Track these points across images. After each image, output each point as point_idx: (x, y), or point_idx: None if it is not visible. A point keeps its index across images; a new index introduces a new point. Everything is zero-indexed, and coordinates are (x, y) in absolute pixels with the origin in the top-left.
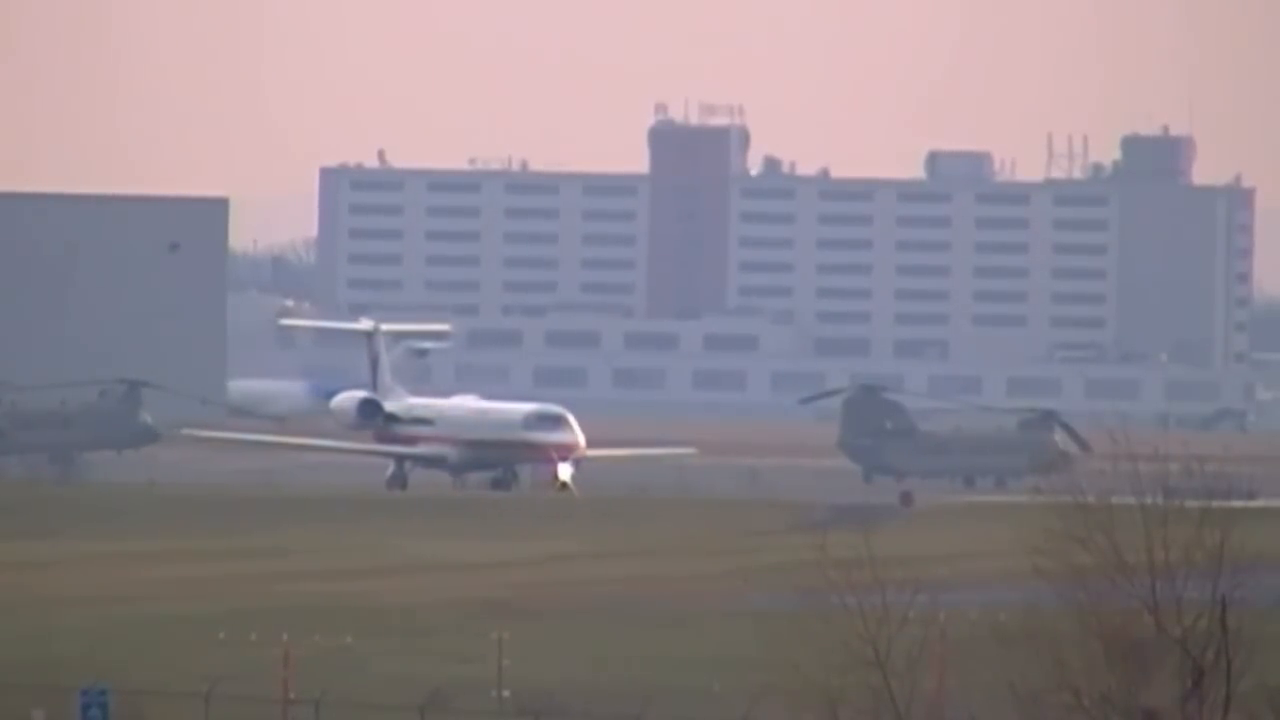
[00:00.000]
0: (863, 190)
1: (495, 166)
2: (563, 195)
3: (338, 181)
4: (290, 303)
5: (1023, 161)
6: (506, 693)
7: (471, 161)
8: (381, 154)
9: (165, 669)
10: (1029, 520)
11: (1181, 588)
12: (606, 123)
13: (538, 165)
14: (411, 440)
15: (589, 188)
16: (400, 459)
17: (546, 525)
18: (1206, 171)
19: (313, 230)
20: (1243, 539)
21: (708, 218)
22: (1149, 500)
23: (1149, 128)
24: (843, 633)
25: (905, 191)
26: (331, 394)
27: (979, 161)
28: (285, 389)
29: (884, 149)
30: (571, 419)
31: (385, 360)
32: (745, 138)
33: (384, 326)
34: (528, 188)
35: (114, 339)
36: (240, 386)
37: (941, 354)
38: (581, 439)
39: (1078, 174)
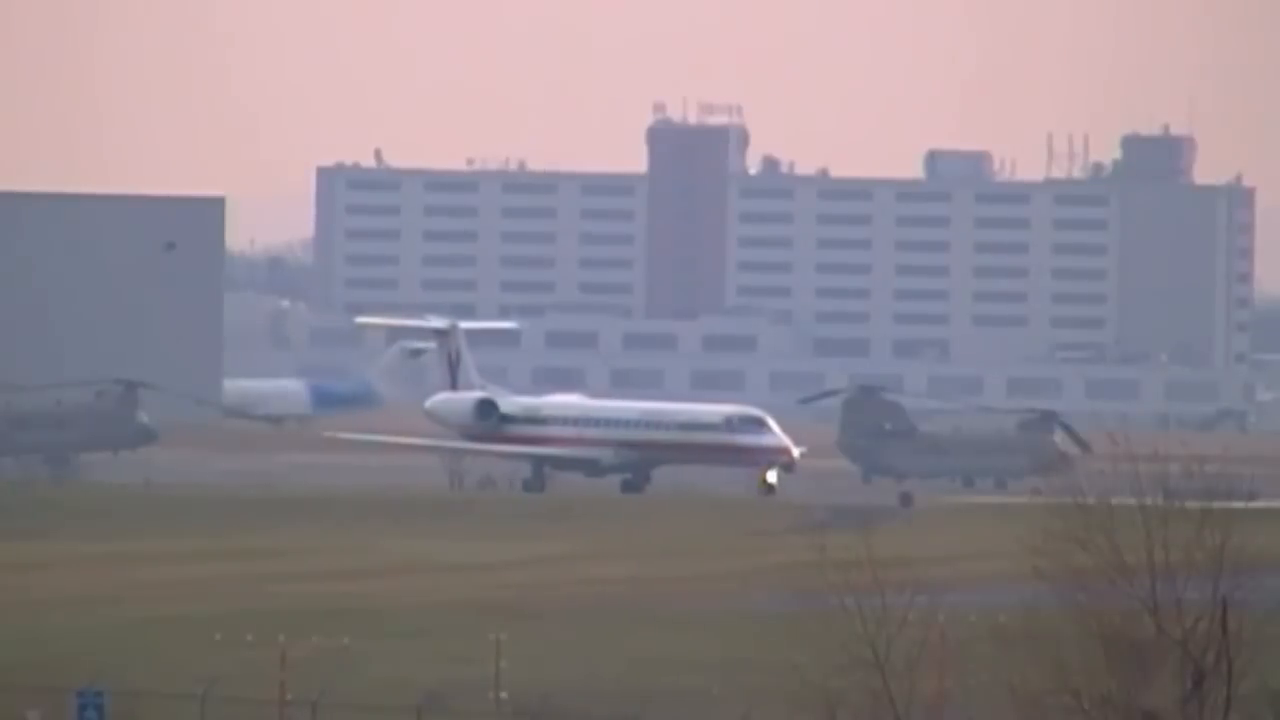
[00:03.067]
0: (862, 190)
1: (493, 166)
2: (561, 195)
3: (335, 181)
4: (286, 303)
5: (1022, 161)
6: (504, 694)
7: (469, 161)
8: (379, 153)
9: (161, 670)
10: (1029, 521)
11: (1182, 589)
12: (605, 122)
13: (536, 165)
14: (541, 441)
15: (587, 187)
16: (539, 461)
17: (545, 526)
18: (1207, 171)
19: (310, 230)
20: (1243, 540)
21: (706, 217)
22: (1149, 501)
23: (1149, 127)
24: (842, 634)
25: (904, 191)
26: (330, 394)
27: (978, 161)
28: (283, 389)
29: (883, 148)
30: (772, 421)
31: (468, 358)
32: (744, 137)
33: (462, 325)
34: (526, 187)
35: (110, 339)
36: (237, 386)
37: (941, 354)
38: (790, 442)
39: (1078, 174)
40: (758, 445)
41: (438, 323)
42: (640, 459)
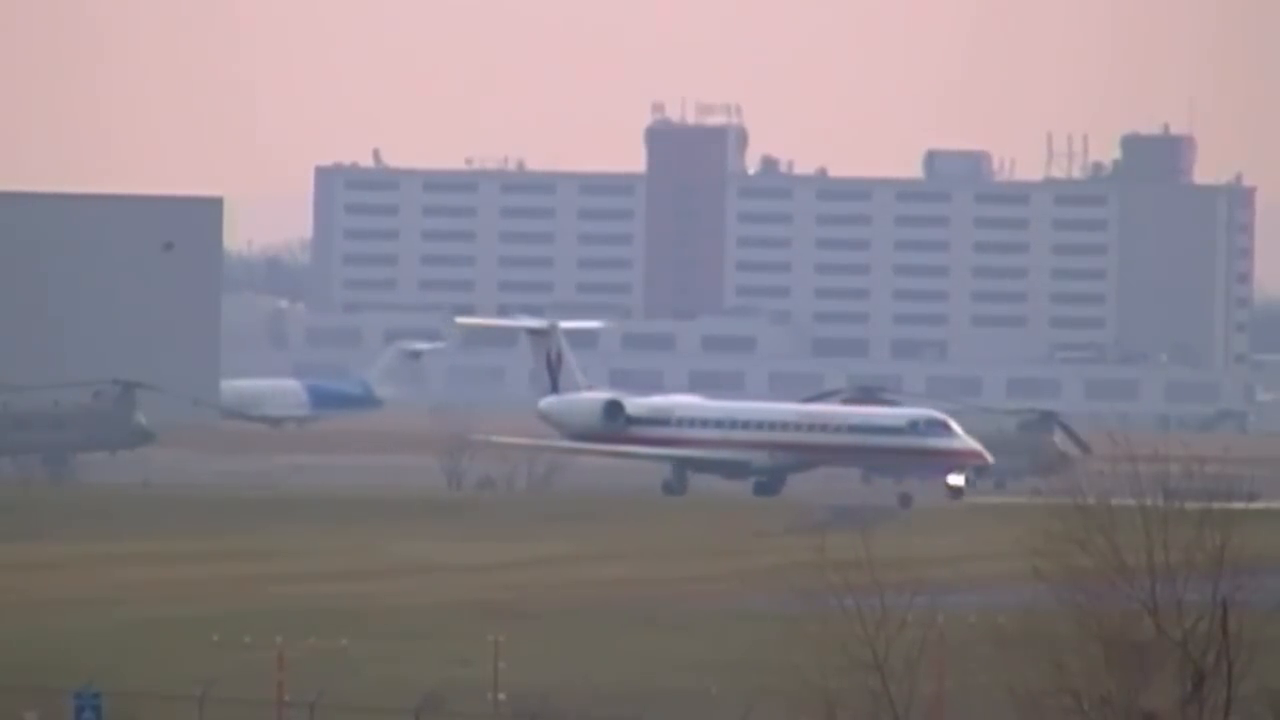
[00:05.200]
0: (861, 190)
1: (491, 166)
2: (559, 194)
3: (333, 181)
4: (284, 303)
5: (1022, 161)
6: (502, 695)
7: (468, 161)
8: (377, 153)
9: (159, 671)
10: (1028, 522)
11: (1182, 590)
12: (603, 122)
13: (534, 164)
14: (677, 442)
15: (586, 187)
16: (681, 463)
17: (543, 527)
18: (1207, 171)
19: (308, 230)
20: (1243, 541)
21: (705, 217)
22: (1149, 502)
23: (1149, 127)
24: (841, 635)
25: (903, 191)
26: (329, 394)
27: (978, 161)
28: (281, 389)
29: (882, 148)
30: (955, 424)
31: (570, 358)
32: (743, 137)
33: (562, 324)
34: (524, 187)
35: (108, 339)
36: (235, 387)
37: (940, 354)
38: (979, 445)
39: (1077, 173)
40: (948, 448)
41: (535, 323)
42: (797, 461)
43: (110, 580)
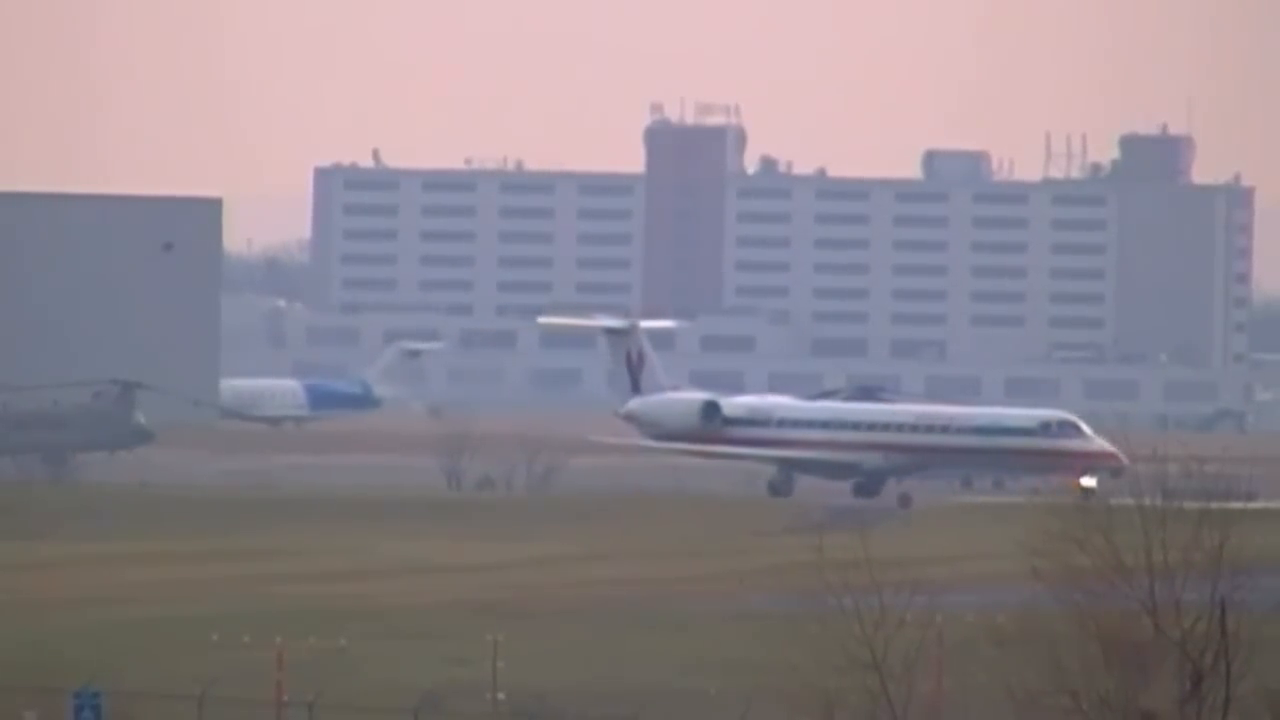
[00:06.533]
0: (860, 190)
1: (490, 166)
2: (558, 194)
3: (332, 181)
4: (283, 303)
5: (1021, 161)
6: (501, 695)
7: (467, 161)
8: (376, 153)
9: (158, 671)
10: (1027, 522)
11: (1180, 590)
12: (602, 122)
13: (533, 164)
14: (779, 444)
15: (585, 187)
16: (786, 464)
17: (541, 527)
18: (1206, 171)
19: (307, 230)
20: (1242, 541)
21: (704, 217)
22: (1148, 501)
23: (1148, 127)
24: (840, 635)
25: (902, 191)
26: (328, 394)
27: (976, 161)
28: (280, 389)
29: (881, 148)
30: (1086, 426)
31: (653, 358)
32: (741, 137)
33: (642, 323)
34: (523, 187)
35: (107, 339)
36: (234, 387)
37: (939, 354)
38: (1114, 447)
39: (1076, 173)
40: (1085, 450)
41: (615, 322)
42: (913, 463)
43: (110, 580)
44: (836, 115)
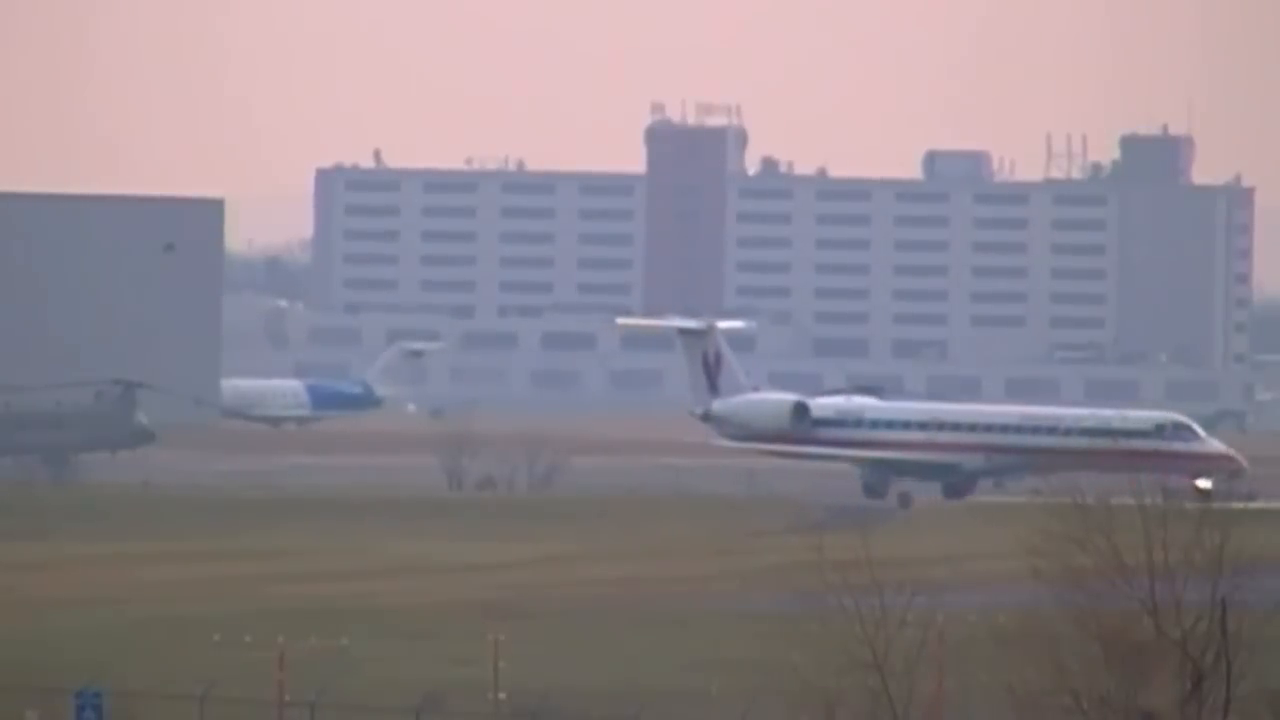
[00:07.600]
0: (860, 190)
1: (492, 166)
2: (559, 195)
3: (333, 182)
4: (284, 303)
5: (1021, 161)
6: (503, 694)
7: (468, 161)
8: (377, 154)
9: (160, 671)
10: (1028, 522)
11: (1181, 589)
12: (603, 122)
13: (534, 165)
14: (873, 445)
15: (586, 187)
16: (882, 465)
17: (542, 527)
18: (1206, 171)
19: (308, 231)
20: (1242, 540)
21: (705, 218)
22: (1148, 501)
23: (1148, 127)
24: (840, 634)
25: (903, 191)
26: (329, 394)
27: (977, 161)
28: (281, 389)
29: (882, 149)
30: (1199, 428)
31: (731, 359)
32: (743, 137)
33: (720, 324)
34: (524, 187)
35: (109, 339)
36: (235, 387)
37: (940, 354)
38: (1231, 449)
39: (1076, 174)
40: (1203, 452)
41: (692, 323)
42: (1019, 464)
43: (111, 580)
44: (837, 115)
